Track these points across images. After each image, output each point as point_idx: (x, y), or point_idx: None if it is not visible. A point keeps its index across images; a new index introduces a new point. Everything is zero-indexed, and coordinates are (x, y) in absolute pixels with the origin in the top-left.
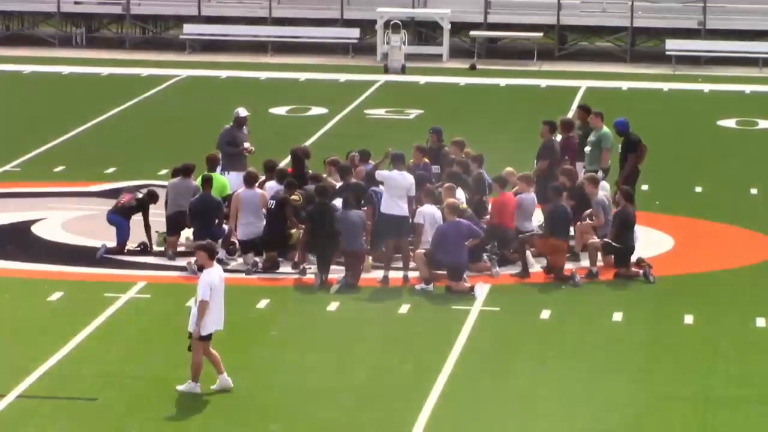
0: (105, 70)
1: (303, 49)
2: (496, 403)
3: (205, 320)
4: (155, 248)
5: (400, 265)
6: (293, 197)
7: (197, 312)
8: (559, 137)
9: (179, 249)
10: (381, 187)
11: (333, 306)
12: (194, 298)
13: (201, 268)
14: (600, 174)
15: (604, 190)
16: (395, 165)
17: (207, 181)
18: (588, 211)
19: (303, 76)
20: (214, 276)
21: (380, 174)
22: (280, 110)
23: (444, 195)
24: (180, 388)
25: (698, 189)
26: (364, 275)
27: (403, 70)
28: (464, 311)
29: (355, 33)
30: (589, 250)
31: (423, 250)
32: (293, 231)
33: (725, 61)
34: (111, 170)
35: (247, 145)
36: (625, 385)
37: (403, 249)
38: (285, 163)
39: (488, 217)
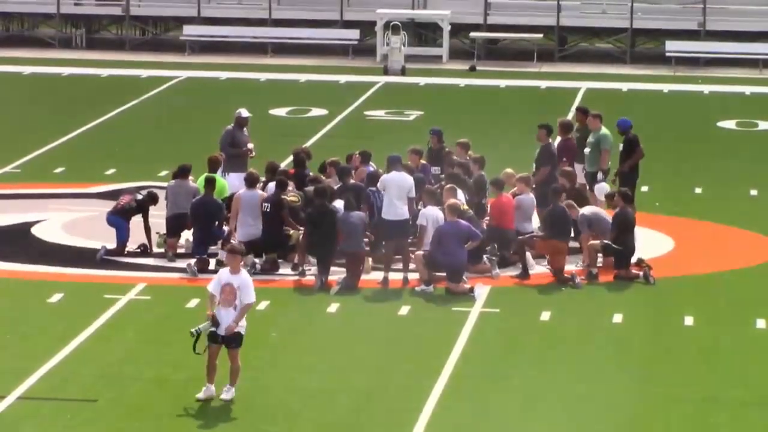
0: (105, 72)
1: (303, 50)
2: (497, 405)
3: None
4: (155, 250)
5: (400, 266)
6: (291, 198)
7: (241, 312)
8: (558, 139)
9: (179, 251)
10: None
11: (333, 307)
12: (224, 302)
13: (200, 269)
14: (600, 175)
15: (603, 192)
16: (393, 167)
17: (210, 183)
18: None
19: (303, 77)
20: None
21: (381, 180)
22: (280, 111)
23: (445, 196)
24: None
25: (698, 190)
26: (364, 277)
27: (402, 72)
28: (464, 313)
29: (354, 34)
30: (588, 252)
31: (422, 252)
32: (292, 232)
33: (725, 62)
34: (111, 171)
35: (250, 146)
36: (625, 387)
37: (404, 251)
38: (286, 164)
39: (488, 219)
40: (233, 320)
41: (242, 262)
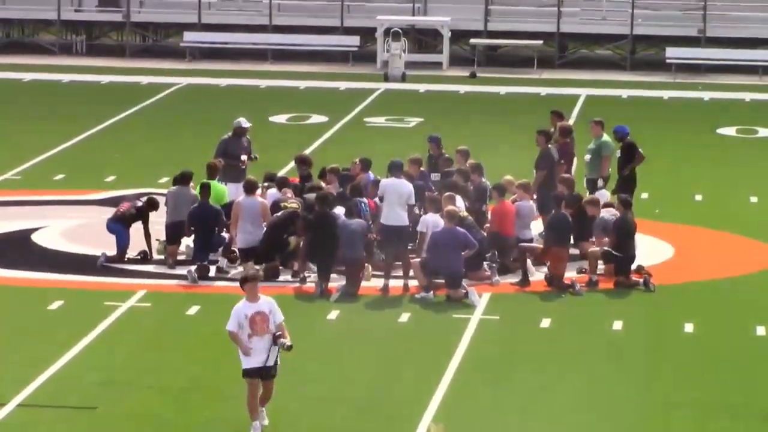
0: (105, 78)
1: (303, 56)
2: (497, 412)
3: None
4: (155, 257)
5: (400, 273)
6: (291, 205)
7: (285, 331)
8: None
9: (179, 257)
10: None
11: (333, 314)
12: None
13: (200, 275)
14: (600, 182)
15: (604, 199)
16: (393, 173)
17: (204, 189)
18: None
19: (303, 83)
20: None
21: (380, 186)
22: (281, 118)
23: (444, 203)
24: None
25: (698, 197)
26: (364, 284)
27: (403, 78)
28: (464, 320)
29: (355, 41)
30: (589, 259)
31: (419, 259)
32: (291, 239)
33: (725, 69)
34: (111, 178)
35: (243, 158)
36: (625, 394)
37: (403, 258)
38: (287, 170)
39: (488, 225)
40: (287, 338)
41: (243, 269)
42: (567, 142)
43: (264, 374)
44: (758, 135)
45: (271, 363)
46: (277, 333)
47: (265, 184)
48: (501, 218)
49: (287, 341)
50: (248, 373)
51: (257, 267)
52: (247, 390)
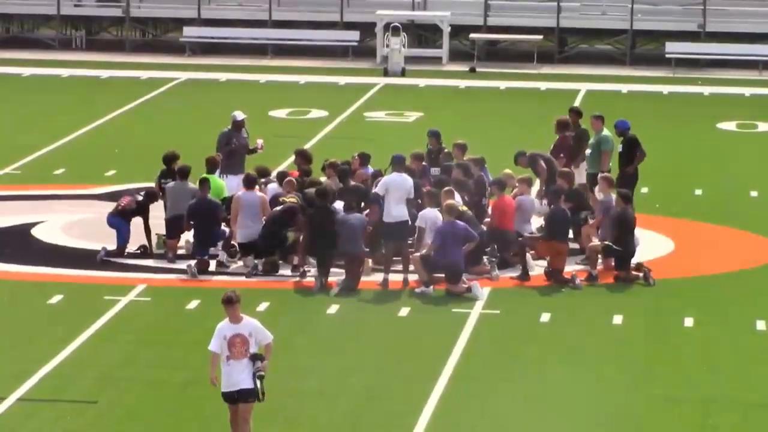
0: (105, 73)
1: (303, 51)
2: (496, 407)
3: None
4: (155, 251)
5: (400, 268)
6: (290, 199)
7: (270, 353)
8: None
9: (179, 252)
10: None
11: (333, 309)
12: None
13: (200, 270)
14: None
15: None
16: (395, 168)
17: (203, 183)
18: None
19: (303, 78)
20: None
21: (381, 182)
22: (280, 113)
23: (443, 198)
24: None
25: (698, 192)
26: (364, 278)
27: (402, 73)
28: (464, 314)
29: (354, 36)
30: (589, 253)
31: (419, 254)
32: (290, 234)
33: (725, 63)
34: (111, 173)
35: (260, 142)
36: (625, 388)
37: (404, 252)
38: (287, 164)
39: (488, 219)
40: (264, 363)
41: (243, 263)
42: (565, 136)
43: (240, 398)
44: (758, 130)
45: (247, 385)
46: (253, 353)
47: (263, 180)
48: (501, 213)
49: (261, 367)
50: (225, 398)
51: (256, 261)
52: (228, 411)
